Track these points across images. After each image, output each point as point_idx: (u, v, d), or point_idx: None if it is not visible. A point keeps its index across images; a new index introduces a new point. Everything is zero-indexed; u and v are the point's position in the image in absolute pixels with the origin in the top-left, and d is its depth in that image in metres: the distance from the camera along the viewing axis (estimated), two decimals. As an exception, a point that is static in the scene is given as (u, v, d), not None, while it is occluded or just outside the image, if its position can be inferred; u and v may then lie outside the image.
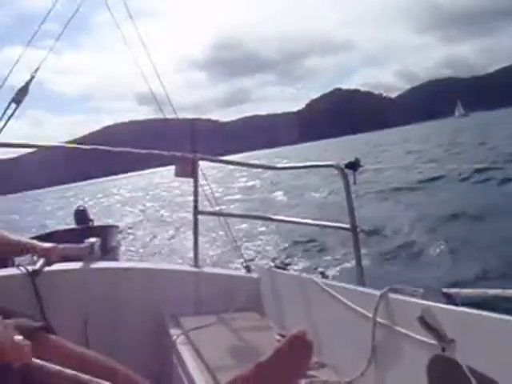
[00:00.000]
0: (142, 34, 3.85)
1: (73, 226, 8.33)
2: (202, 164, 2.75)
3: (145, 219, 19.56)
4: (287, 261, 7.34)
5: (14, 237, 1.86)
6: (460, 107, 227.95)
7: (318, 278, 1.90)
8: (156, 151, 2.73)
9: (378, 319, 1.38)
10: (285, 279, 2.21)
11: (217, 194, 3.17)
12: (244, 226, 11.12)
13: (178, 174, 2.65)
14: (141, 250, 11.93)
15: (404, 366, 1.29)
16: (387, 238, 8.66)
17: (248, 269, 2.63)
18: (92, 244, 2.16)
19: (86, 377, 0.93)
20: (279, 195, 19.88)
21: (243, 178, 32.03)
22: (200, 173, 2.71)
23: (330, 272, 6.39)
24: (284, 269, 2.42)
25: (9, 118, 2.72)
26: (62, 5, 3.58)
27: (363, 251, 2.06)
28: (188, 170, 2.62)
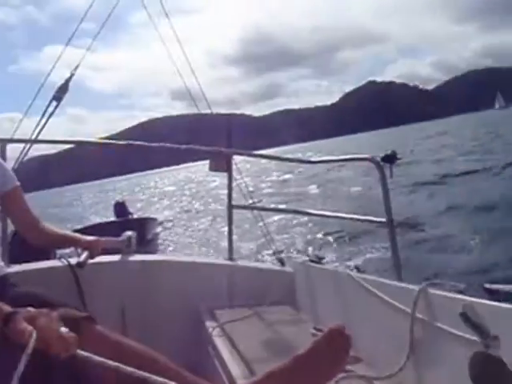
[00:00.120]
0: (177, 31, 3.89)
1: (112, 218, 8.53)
2: (236, 158, 2.76)
3: (181, 212, 19.87)
4: (321, 255, 7.29)
5: (58, 230, 1.93)
6: (500, 98, 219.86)
7: (353, 273, 1.88)
8: (190, 146, 2.76)
9: (417, 314, 1.36)
10: (319, 273, 2.20)
11: (250, 188, 3.18)
12: (277, 219, 11.13)
13: (212, 168, 2.67)
14: (177, 242, 12.14)
15: (444, 363, 1.26)
16: (423, 231, 8.49)
17: (282, 262, 2.63)
18: (129, 237, 2.21)
19: (129, 368, 0.94)
20: (313, 189, 19.77)
21: (277, 172, 32.02)
22: (234, 167, 2.73)
23: (365, 266, 6.32)
24: (318, 263, 2.41)
25: (50, 116, 2.80)
26: (99, 4, 3.66)
27: (399, 245, 2.02)
28: (222, 164, 2.63)
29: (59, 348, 0.90)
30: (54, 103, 2.84)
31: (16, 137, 2.75)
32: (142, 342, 1.33)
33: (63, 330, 0.94)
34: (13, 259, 2.12)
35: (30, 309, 0.98)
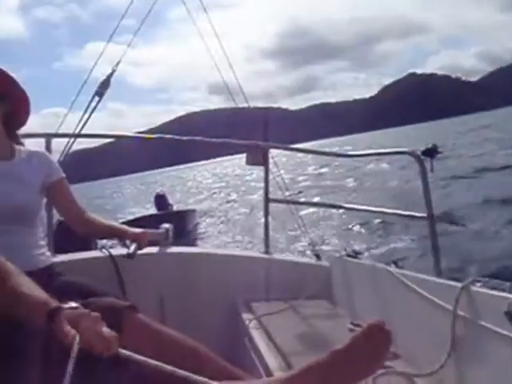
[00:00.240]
0: (215, 26, 3.92)
1: (154, 211, 8.72)
2: (273, 152, 2.76)
3: (220, 204, 20.10)
4: (358, 249, 7.22)
5: (104, 220, 1.99)
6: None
7: (392, 268, 1.85)
8: (227, 140, 2.78)
9: (459, 312, 1.33)
10: (357, 268, 2.18)
11: (287, 181, 3.18)
12: (313, 212, 11.08)
13: (249, 162, 2.68)
14: (216, 234, 12.30)
15: (487, 362, 1.23)
16: (463, 225, 8.24)
17: (318, 257, 2.61)
18: (167, 230, 2.26)
19: (169, 367, 0.96)
20: (350, 182, 19.55)
21: (314, 166, 31.84)
22: (271, 160, 2.73)
23: (403, 262, 6.21)
24: (355, 257, 2.38)
25: (92, 111, 2.88)
26: (140, 1, 3.72)
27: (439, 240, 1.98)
28: (259, 158, 2.64)
29: (101, 348, 0.93)
30: (97, 98, 2.92)
31: (60, 131, 2.85)
32: (180, 332, 1.36)
33: (105, 330, 0.97)
34: (57, 248, 2.21)
35: (73, 304, 1.01)
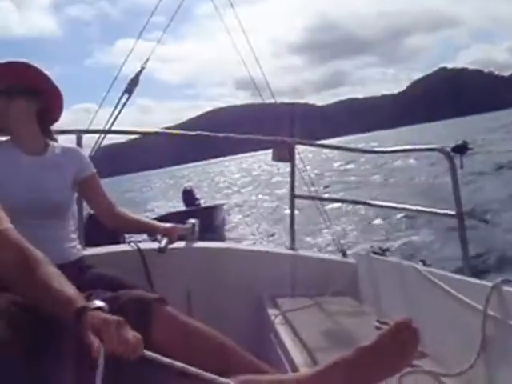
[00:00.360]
0: (242, 21, 3.92)
1: (182, 206, 8.82)
2: (299, 148, 2.76)
3: (246, 199, 20.18)
4: (385, 247, 7.13)
5: (133, 215, 2.03)
6: None
7: (419, 266, 1.83)
8: (253, 136, 2.79)
9: (489, 312, 1.30)
10: (383, 265, 2.16)
11: (313, 177, 3.16)
12: (339, 209, 11.01)
13: (275, 158, 2.68)
14: (243, 229, 12.36)
15: None
16: (494, 224, 8.03)
17: (344, 253, 2.60)
18: (193, 225, 2.29)
19: (194, 370, 0.97)
20: (376, 178, 19.33)
21: (340, 162, 31.58)
22: (297, 156, 2.72)
23: (431, 260, 6.10)
24: (382, 255, 2.36)
25: (122, 108, 2.93)
26: (167, -3, 3.75)
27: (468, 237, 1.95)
28: (285, 154, 2.64)
29: (126, 353, 0.95)
30: (126, 95, 2.97)
31: (91, 126, 2.92)
32: (207, 326, 1.38)
33: (129, 334, 0.97)
34: (87, 241, 2.26)
35: (100, 303, 1.03)
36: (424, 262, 2.08)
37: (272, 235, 10.78)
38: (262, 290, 2.25)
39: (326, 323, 1.87)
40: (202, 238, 2.36)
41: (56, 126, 1.89)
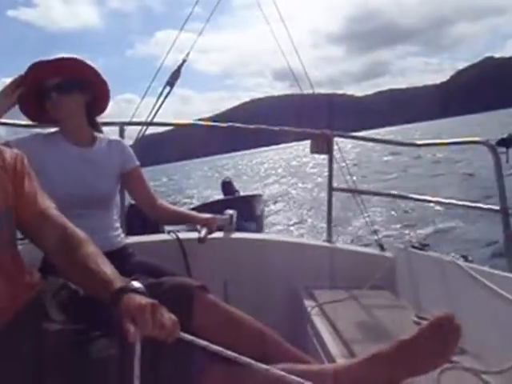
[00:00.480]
0: (281, 10, 3.90)
1: (221, 196, 8.92)
2: (338, 139, 2.73)
3: (284, 190, 20.17)
4: (425, 241, 6.99)
5: (175, 208, 2.10)
6: None
7: (461, 262, 1.79)
8: (288, 128, 2.78)
9: None
10: (423, 260, 2.13)
11: (351, 168, 3.12)
12: (378, 202, 10.85)
13: (313, 150, 2.67)
14: (281, 220, 12.37)
15: None
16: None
17: (382, 247, 2.57)
18: (231, 215, 2.32)
19: (231, 353, 0.98)
20: (416, 171, 18.89)
21: (380, 153, 31.02)
22: (335, 147, 2.70)
23: (473, 255, 5.93)
24: (421, 249, 2.32)
25: (163, 101, 2.98)
26: (207, -12, 3.78)
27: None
28: (323, 146, 2.62)
29: (163, 337, 0.96)
30: (167, 88, 3.02)
31: (132, 117, 2.99)
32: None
33: (165, 316, 0.98)
34: (128, 230, 2.34)
35: (137, 284, 1.05)
36: (466, 258, 2.03)
37: (310, 227, 10.74)
38: (298, 281, 2.26)
39: (363, 316, 1.87)
40: (238, 228, 2.39)
41: (99, 117, 1.96)
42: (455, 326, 1.07)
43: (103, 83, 1.78)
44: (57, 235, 1.18)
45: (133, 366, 0.91)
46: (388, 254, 2.44)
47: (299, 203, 15.36)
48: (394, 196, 3.27)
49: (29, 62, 1.69)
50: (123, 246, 1.81)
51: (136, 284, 1.05)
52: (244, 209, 6.50)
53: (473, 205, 2.18)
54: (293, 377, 0.96)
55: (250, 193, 10.75)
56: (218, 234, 2.28)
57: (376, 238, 2.92)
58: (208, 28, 3.78)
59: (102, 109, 1.87)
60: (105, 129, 2.00)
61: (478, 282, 1.56)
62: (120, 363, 0.97)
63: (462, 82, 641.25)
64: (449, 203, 2.54)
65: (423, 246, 2.26)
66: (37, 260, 1.54)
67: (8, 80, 1.71)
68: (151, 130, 2.94)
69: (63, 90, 1.66)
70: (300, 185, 21.69)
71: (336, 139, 2.69)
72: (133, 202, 2.12)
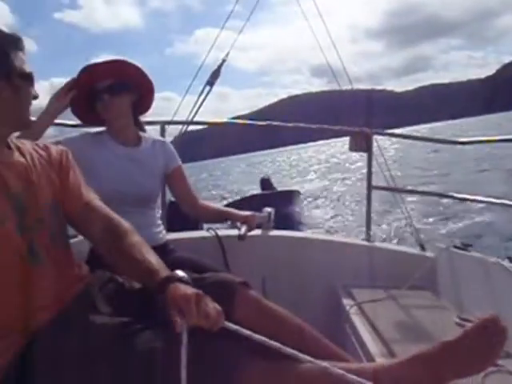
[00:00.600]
0: (319, 6, 3.88)
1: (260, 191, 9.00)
2: (378, 136, 2.70)
3: (324, 187, 20.03)
4: (467, 242, 6.78)
5: (213, 206, 2.13)
6: None
7: (506, 263, 1.74)
8: (325, 126, 2.76)
9: None
10: (465, 261, 2.08)
11: (390, 166, 3.07)
12: (419, 201, 10.61)
13: (352, 148, 2.64)
14: (320, 217, 12.31)
15: None
16: None
17: (422, 247, 2.53)
18: (269, 213, 2.34)
19: (275, 343, 0.99)
20: (458, 169, 18.31)
21: (422, 150, 30.25)
22: (375, 144, 2.66)
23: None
24: (464, 250, 2.27)
25: (204, 100, 3.02)
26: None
27: None
28: (363, 144, 2.59)
29: (208, 326, 0.97)
30: (207, 87, 3.06)
31: (171, 114, 3.05)
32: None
33: (209, 306, 0.99)
34: (169, 227, 2.39)
35: (182, 273, 1.07)
36: (511, 259, 1.97)
37: (349, 226, 10.63)
38: (337, 280, 2.25)
39: (403, 316, 1.85)
40: (276, 225, 2.40)
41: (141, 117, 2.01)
42: (501, 329, 1.04)
43: (149, 83, 1.83)
44: (102, 225, 1.23)
45: (179, 356, 0.93)
46: (429, 253, 2.40)
47: (340, 200, 15.20)
48: (436, 195, 3.20)
49: (75, 63, 1.76)
50: (165, 242, 1.87)
51: (180, 273, 1.07)
52: (281, 204, 6.50)
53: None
54: (351, 375, 0.96)
55: (288, 188, 10.75)
56: (257, 232, 2.30)
57: (417, 237, 2.87)
58: (247, 25, 3.79)
59: (147, 107, 1.93)
60: (146, 127, 2.05)
61: None
62: (165, 355, 0.99)
63: (509, 76, 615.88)
64: (492, 203, 2.46)
65: (466, 246, 2.20)
66: (84, 254, 1.61)
67: (57, 80, 1.79)
68: (190, 127, 2.99)
69: (114, 91, 1.72)
70: (340, 181, 21.47)
71: (375, 137, 2.66)
72: (173, 199, 2.17)
